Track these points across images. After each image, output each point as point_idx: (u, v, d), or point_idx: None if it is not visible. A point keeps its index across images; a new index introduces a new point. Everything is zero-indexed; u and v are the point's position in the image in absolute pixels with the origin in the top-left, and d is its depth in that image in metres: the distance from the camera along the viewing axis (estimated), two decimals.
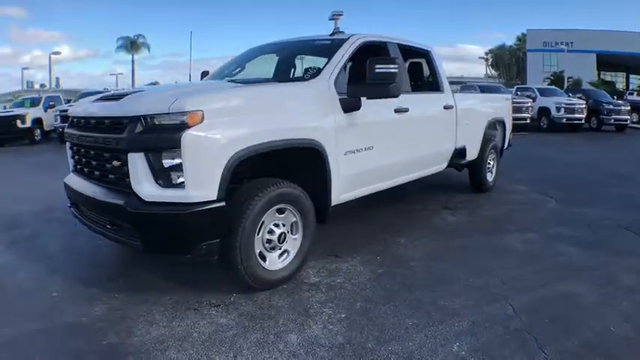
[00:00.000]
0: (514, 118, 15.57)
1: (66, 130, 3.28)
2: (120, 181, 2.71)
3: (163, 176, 2.55)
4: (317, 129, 3.09)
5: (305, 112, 3.10)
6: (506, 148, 6.66)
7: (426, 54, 4.95)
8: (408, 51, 4.68)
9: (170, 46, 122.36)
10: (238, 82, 3.41)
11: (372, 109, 3.57)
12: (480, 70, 63.66)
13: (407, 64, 4.92)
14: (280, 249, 3.02)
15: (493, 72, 53.97)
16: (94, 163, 2.95)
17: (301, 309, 2.72)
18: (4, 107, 17.94)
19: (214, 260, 2.72)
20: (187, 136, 2.46)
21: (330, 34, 4.01)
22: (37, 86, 46.36)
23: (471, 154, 5.45)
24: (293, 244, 3.08)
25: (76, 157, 3.20)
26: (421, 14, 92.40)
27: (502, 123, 6.27)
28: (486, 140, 5.77)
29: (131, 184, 2.59)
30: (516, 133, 16.49)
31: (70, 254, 3.75)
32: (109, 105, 2.90)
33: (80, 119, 3.08)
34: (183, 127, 2.47)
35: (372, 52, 4.26)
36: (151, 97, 2.83)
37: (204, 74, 4.76)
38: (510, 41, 54.36)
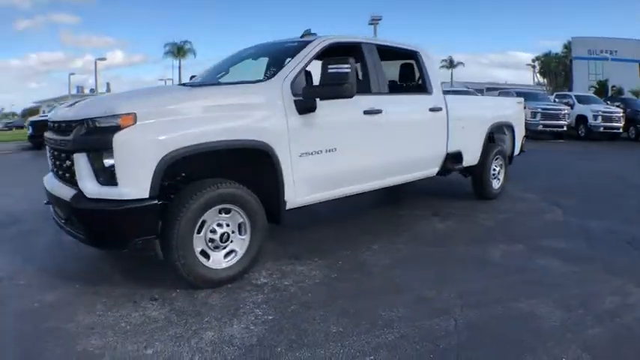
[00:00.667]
0: (550, 126, 15.53)
1: (45, 133, 3.56)
2: (72, 179, 2.90)
3: (103, 175, 2.70)
4: (264, 130, 3.12)
5: (251, 113, 3.13)
6: (518, 155, 6.32)
7: (413, 54, 4.83)
8: (391, 52, 4.60)
9: (218, 51, 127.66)
10: (196, 85, 3.51)
11: (334, 110, 3.56)
12: (528, 78, 61.43)
13: (395, 66, 4.84)
14: (225, 248, 3.07)
15: (541, 79, 52.19)
16: (57, 162, 3.18)
17: (232, 308, 2.75)
18: (44, 112, 19.36)
19: (160, 256, 2.84)
20: (118, 137, 2.59)
21: (300, 36, 4.03)
22: (86, 91, 49.40)
23: (470, 160, 5.24)
24: (240, 244, 3.13)
25: (50, 157, 3.45)
26: (470, 20, 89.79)
27: (510, 127, 5.97)
28: (489, 145, 5.51)
29: (78, 182, 2.78)
30: (552, 140, 16.10)
31: (52, 248, 4.02)
32: (68, 110, 3.12)
33: (52, 123, 3.32)
34: (116, 129, 2.61)
35: (344, 54, 4.25)
36: (96, 101, 3.03)
37: (192, 78, 4.94)
38: (558, 48, 52.82)
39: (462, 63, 57.14)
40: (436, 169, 4.90)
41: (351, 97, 3.33)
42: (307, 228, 4.50)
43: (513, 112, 6.08)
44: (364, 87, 4.04)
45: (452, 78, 51.17)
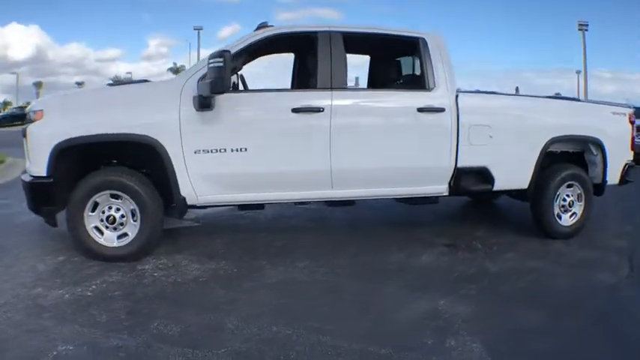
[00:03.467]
0: None
1: None
2: None
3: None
4: (151, 125, 3.28)
5: (142, 108, 3.35)
6: (619, 185, 4.19)
7: (415, 44, 3.90)
8: (379, 41, 3.95)
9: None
10: (116, 84, 3.86)
11: (247, 107, 3.41)
12: None
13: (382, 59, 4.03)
14: (119, 230, 3.41)
15: None
16: None
17: (71, 281, 3.07)
18: None
19: (54, 225, 3.45)
20: (29, 129, 3.34)
21: (255, 29, 3.83)
22: None
23: (511, 181, 3.92)
24: (132, 229, 3.41)
25: None
26: None
27: (597, 144, 4.07)
28: (554, 165, 3.93)
29: None
30: None
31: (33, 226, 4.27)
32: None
33: None
34: (31, 122, 3.35)
35: (299, 46, 3.91)
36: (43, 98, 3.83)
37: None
38: None
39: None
40: (442, 187, 3.84)
41: (221, 92, 3.15)
42: (271, 232, 4.32)
43: (603, 124, 4.12)
44: (305, 82, 3.63)
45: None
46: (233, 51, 3.48)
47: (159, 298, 2.85)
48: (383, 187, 3.77)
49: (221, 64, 3.07)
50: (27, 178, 3.38)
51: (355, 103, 3.71)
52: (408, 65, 4.50)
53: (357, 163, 3.65)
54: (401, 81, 4.45)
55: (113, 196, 3.38)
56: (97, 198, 3.35)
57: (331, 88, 3.59)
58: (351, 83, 4.76)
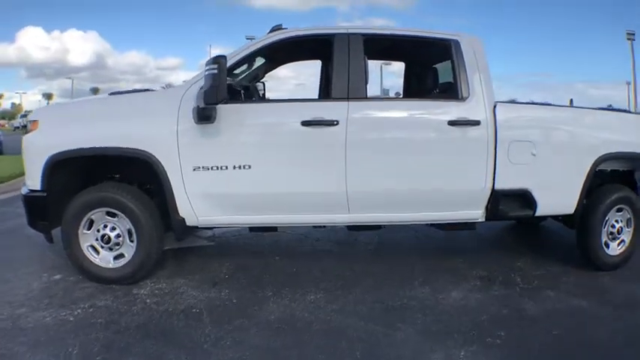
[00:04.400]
0: None
1: None
2: None
3: None
4: (146, 139, 3.03)
5: (137, 120, 3.10)
6: None
7: (447, 47, 3.39)
8: (395, 44, 3.56)
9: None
10: (116, 93, 3.55)
11: (250, 119, 3.11)
12: None
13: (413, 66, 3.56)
14: (115, 250, 3.18)
15: None
16: None
17: (59, 303, 2.90)
18: None
19: (50, 241, 3.29)
20: (25, 139, 3.20)
21: (269, 32, 3.46)
22: None
23: (555, 205, 3.37)
24: (129, 250, 3.17)
25: None
26: None
27: None
28: (603, 187, 3.41)
29: None
30: None
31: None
32: None
33: None
34: (28, 131, 3.22)
35: (319, 51, 3.55)
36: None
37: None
38: None
39: None
40: (477, 213, 3.32)
41: (215, 103, 2.84)
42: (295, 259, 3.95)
43: None
44: (327, 92, 3.25)
45: None
46: (237, 58, 3.19)
47: (141, 331, 2.57)
48: (407, 211, 3.31)
49: (215, 72, 2.79)
50: (24, 190, 3.25)
51: (375, 115, 3.29)
52: (445, 72, 3.93)
53: (377, 185, 3.21)
54: (437, 90, 3.94)
55: (109, 213, 3.16)
56: (92, 215, 3.14)
57: (348, 98, 3.19)
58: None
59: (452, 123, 3.20)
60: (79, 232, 3.15)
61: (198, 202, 3.12)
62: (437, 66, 3.95)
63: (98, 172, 3.35)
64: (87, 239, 3.18)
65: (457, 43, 3.39)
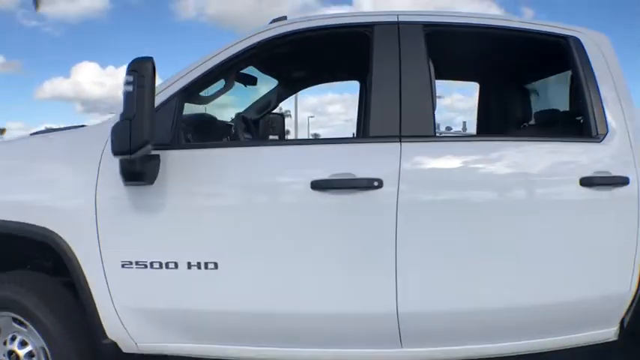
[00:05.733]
0: None
1: None
2: None
3: None
4: (47, 210, 1.81)
5: (35, 180, 1.90)
6: None
7: (555, 48, 1.97)
8: (477, 40, 2.06)
9: None
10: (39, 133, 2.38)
11: (220, 177, 1.76)
12: None
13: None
14: None
15: None
16: None
17: None
18: None
19: None
20: None
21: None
22: None
23: None
24: None
25: None
26: None
27: None
28: None
29: None
30: None
31: None
32: None
33: None
34: None
35: (345, 57, 2.12)
36: None
37: None
38: None
39: None
40: (608, 331, 1.73)
41: (126, 153, 1.54)
42: None
43: None
44: (365, 125, 1.76)
45: None
46: (197, 74, 1.80)
47: None
48: (498, 341, 1.76)
49: (130, 89, 1.49)
50: None
51: (453, 169, 1.77)
52: (549, 93, 2.77)
53: (455, 297, 1.73)
54: (532, 122, 2.66)
55: (17, 320, 2.00)
56: None
57: (400, 137, 1.70)
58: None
59: (586, 182, 1.68)
60: None
61: (133, 318, 1.81)
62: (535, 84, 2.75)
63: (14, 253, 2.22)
64: None
65: (577, 42, 1.91)
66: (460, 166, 1.76)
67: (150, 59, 1.53)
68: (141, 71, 1.50)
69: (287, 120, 3.06)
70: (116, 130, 1.51)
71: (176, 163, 1.72)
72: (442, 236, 1.71)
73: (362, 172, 1.67)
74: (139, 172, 1.66)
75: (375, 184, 1.65)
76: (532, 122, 2.69)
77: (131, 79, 1.48)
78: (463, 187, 1.76)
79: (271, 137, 2.46)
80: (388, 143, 1.70)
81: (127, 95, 1.49)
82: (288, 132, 2.80)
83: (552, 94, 2.80)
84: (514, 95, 2.78)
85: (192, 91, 1.83)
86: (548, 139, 2.00)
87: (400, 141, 1.69)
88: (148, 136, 1.50)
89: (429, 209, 1.71)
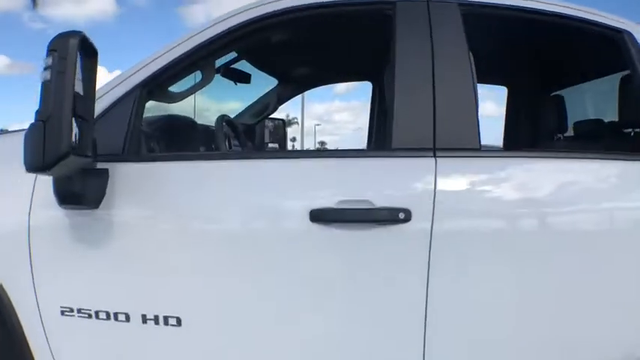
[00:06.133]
0: None
1: None
2: None
3: None
4: None
5: None
6: None
7: (604, 42, 1.50)
8: (520, 28, 1.67)
9: None
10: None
11: (191, 200, 1.30)
12: None
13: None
14: None
15: None
16: None
17: None
18: None
19: None
20: None
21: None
22: None
23: None
24: None
25: None
26: None
27: None
28: None
29: None
30: None
31: None
32: None
33: None
34: None
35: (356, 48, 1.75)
36: None
37: None
38: None
39: None
40: None
41: (40, 170, 1.10)
42: None
43: None
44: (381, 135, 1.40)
45: None
46: (171, 57, 1.36)
47: None
48: None
49: (47, 77, 1.06)
50: None
51: (512, 195, 1.31)
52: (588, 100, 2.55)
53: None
54: (569, 133, 2.36)
55: None
56: None
57: (434, 150, 1.25)
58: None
59: None
60: None
61: None
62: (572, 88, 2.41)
63: None
64: None
65: (631, 36, 1.45)
66: (522, 192, 1.28)
67: (77, 33, 1.09)
68: (62, 51, 1.06)
69: (294, 127, 2.62)
70: (27, 136, 1.09)
71: (131, 180, 1.29)
72: (497, 297, 1.22)
73: (381, 199, 1.21)
74: (78, 192, 1.24)
75: (401, 216, 1.18)
76: (569, 134, 2.34)
77: (50, 62, 1.06)
78: (528, 221, 1.28)
79: (270, 146, 2.04)
80: (418, 159, 1.24)
81: (44, 87, 1.06)
82: (294, 139, 2.37)
83: (593, 100, 2.57)
84: (549, 102, 2.39)
85: (156, 86, 1.39)
86: (629, 156, 1.51)
87: (435, 156, 1.23)
88: (68, 144, 1.06)
89: (478, 254, 1.22)
